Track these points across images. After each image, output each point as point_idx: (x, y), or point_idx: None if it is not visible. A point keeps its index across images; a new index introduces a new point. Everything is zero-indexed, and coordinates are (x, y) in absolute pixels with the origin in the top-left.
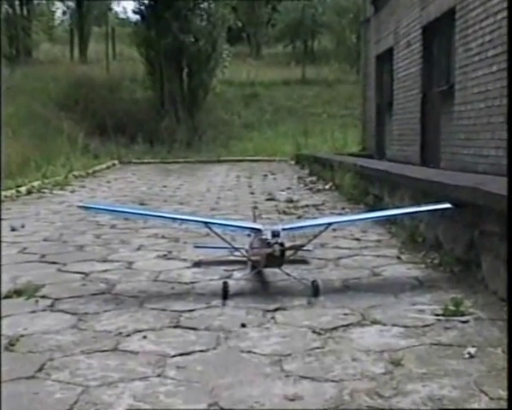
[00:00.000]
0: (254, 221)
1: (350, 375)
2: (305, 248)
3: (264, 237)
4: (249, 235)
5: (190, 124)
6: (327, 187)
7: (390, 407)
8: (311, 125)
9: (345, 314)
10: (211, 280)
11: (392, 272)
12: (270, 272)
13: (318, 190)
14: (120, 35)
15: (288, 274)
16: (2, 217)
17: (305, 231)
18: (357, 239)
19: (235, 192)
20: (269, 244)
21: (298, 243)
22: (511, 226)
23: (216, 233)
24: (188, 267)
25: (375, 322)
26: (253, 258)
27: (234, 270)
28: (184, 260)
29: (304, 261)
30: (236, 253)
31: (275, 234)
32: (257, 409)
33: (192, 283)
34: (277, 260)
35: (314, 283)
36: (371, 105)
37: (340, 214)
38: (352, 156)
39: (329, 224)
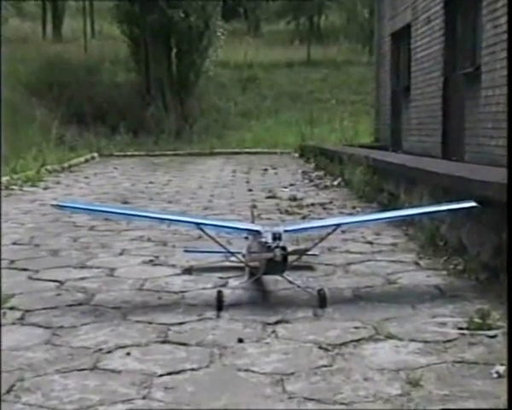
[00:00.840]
0: (252, 222)
1: (361, 397)
2: (310, 252)
3: (263, 239)
4: (247, 238)
5: (180, 112)
6: (335, 183)
7: None
8: (318, 112)
9: (355, 328)
10: (203, 289)
11: (409, 280)
12: (271, 280)
13: (325, 187)
14: (100, 10)
15: (290, 282)
16: None
17: (311, 234)
18: (370, 242)
19: (231, 189)
20: (269, 248)
21: (302, 246)
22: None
23: (209, 236)
24: (177, 274)
25: (389, 337)
26: (252, 264)
27: (229, 277)
28: (173, 266)
29: (309, 268)
30: (232, 258)
31: (276, 236)
32: None
33: (182, 292)
34: (279, 265)
35: (320, 292)
36: (386, 90)
37: (351, 214)
38: (363, 148)
39: (338, 225)
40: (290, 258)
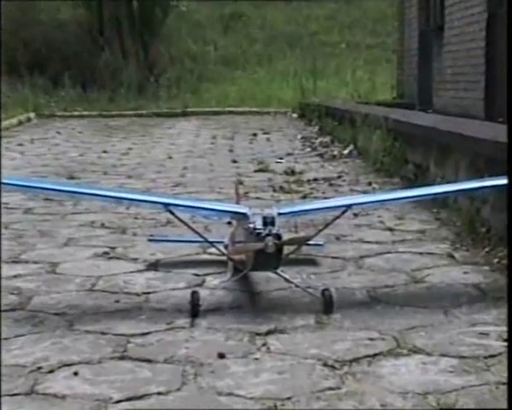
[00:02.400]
0: (237, 203)
1: None
2: (312, 241)
3: (251, 225)
4: (230, 223)
5: (143, 59)
6: (345, 152)
7: None
8: (323, 60)
9: (371, 339)
10: (173, 290)
11: (441, 278)
12: (262, 278)
13: (333, 157)
14: None
15: (287, 280)
16: None
17: (313, 218)
18: (390, 229)
19: (210, 160)
20: (259, 236)
21: (302, 234)
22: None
23: (181, 220)
24: (140, 271)
25: (415, 351)
26: (236, 257)
27: (207, 274)
28: (135, 260)
29: (311, 262)
30: (211, 249)
31: (267, 221)
32: None
33: (146, 293)
34: (271, 259)
35: (326, 293)
36: (412, 31)
37: (365, 193)
38: (382, 106)
39: (349, 206)
40: (286, 249)
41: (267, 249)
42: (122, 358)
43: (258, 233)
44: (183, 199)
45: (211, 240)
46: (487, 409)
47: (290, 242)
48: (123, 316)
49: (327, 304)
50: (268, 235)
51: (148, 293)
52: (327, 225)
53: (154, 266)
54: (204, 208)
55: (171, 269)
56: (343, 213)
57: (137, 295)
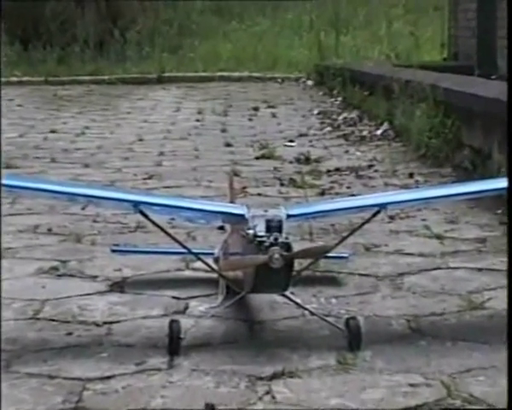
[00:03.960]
0: (232, 201)
1: None
2: (333, 253)
3: (251, 231)
4: (222, 228)
5: (104, 7)
6: (378, 133)
7: None
8: (348, 8)
9: (412, 386)
10: (145, 318)
11: (506, 303)
12: (265, 302)
13: (361, 139)
14: None
15: (299, 306)
16: None
17: (335, 221)
18: (439, 237)
19: (195, 143)
20: (261, 246)
21: (319, 243)
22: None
23: (156, 225)
24: (100, 293)
25: (471, 401)
26: (230, 274)
27: (191, 297)
28: (93, 277)
29: (332, 281)
30: (197, 263)
31: (273, 226)
32: None
33: (108, 323)
34: (278, 277)
35: (351, 323)
36: None
37: (405, 188)
38: (429, 71)
39: (383, 206)
40: (298, 264)
41: (272, 264)
42: None
43: (261, 242)
44: (158, 196)
45: (196, 251)
46: (488, 409)
47: (303, 254)
48: (77, 354)
49: (353, 338)
50: (273, 245)
51: (112, 322)
52: (353, 232)
53: (119, 286)
54: (187, 208)
55: (142, 290)
56: (375, 215)
57: (97, 325)
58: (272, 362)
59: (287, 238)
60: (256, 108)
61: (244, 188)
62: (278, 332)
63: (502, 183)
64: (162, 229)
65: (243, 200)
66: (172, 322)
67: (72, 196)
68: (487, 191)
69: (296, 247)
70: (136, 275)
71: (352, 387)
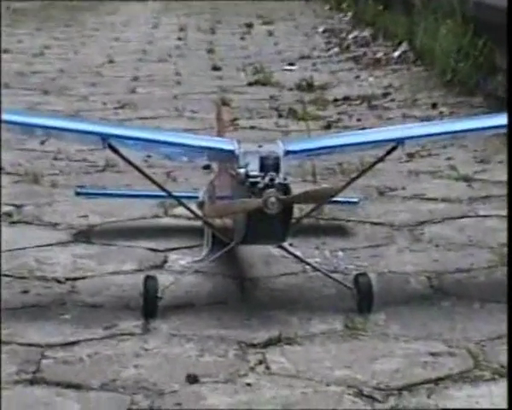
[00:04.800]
0: (220, 134)
1: None
2: (341, 197)
3: (242, 170)
4: (207, 167)
5: None
6: (395, 54)
7: None
8: None
9: (433, 355)
10: (115, 273)
11: None
12: (259, 255)
13: (375, 62)
14: None
15: (299, 260)
16: None
17: (343, 160)
18: (466, 179)
19: (177, 66)
20: (254, 188)
21: (324, 185)
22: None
23: (130, 162)
24: (62, 243)
25: (502, 374)
26: (217, 221)
27: (171, 249)
28: (54, 225)
29: (339, 230)
30: (178, 209)
31: (268, 164)
32: None
33: (72, 280)
34: (274, 225)
35: (361, 280)
36: None
37: (426, 121)
38: None
39: (400, 141)
40: (298, 210)
41: (267, 209)
42: (33, 382)
43: (254, 183)
44: (131, 128)
45: (176, 194)
46: (488, 409)
47: (304, 198)
48: (34, 315)
49: (363, 298)
50: (269, 186)
51: (76, 279)
52: (364, 172)
53: (85, 235)
54: (166, 143)
55: (112, 241)
56: (391, 152)
57: (58, 281)
58: (267, 326)
59: (285, 179)
60: (249, 25)
61: (234, 120)
62: (274, 291)
63: None
64: (136, 168)
65: (233, 134)
66: (148, 278)
67: (29, 128)
68: None
69: (296, 190)
70: (105, 223)
71: (361, 356)
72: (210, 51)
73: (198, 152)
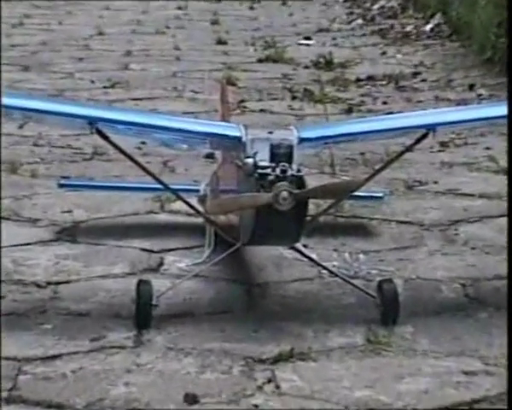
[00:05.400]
0: (225, 118)
1: None
2: (363, 192)
3: (250, 160)
4: (210, 156)
5: None
6: (427, 28)
7: None
8: None
9: (467, 374)
10: (104, 277)
11: None
12: (268, 258)
13: (404, 36)
14: None
15: (315, 263)
16: None
17: (366, 149)
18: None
19: (176, 39)
20: (263, 181)
21: (345, 178)
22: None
23: (120, 149)
24: (43, 242)
25: None
26: (221, 218)
27: (168, 250)
28: (34, 221)
29: (361, 229)
30: (176, 204)
31: (280, 153)
32: None
33: (54, 284)
34: (286, 223)
35: (386, 288)
36: None
37: (463, 104)
38: None
39: (431, 127)
40: (313, 206)
41: (279, 205)
42: (9, 401)
43: (263, 175)
44: (123, 111)
45: (174, 187)
46: (488, 409)
47: (322, 192)
48: (11, 325)
49: (388, 308)
50: (280, 179)
51: (59, 283)
52: (390, 163)
53: (69, 233)
54: (163, 128)
55: (100, 240)
56: (421, 139)
57: (39, 286)
58: (277, 339)
59: (299, 170)
60: None
61: (241, 102)
62: (286, 299)
63: None
64: (129, 156)
65: (240, 118)
66: (141, 283)
67: (6, 110)
68: None
69: (312, 183)
70: (93, 219)
71: (384, 374)
72: (214, 23)
73: (199, 139)
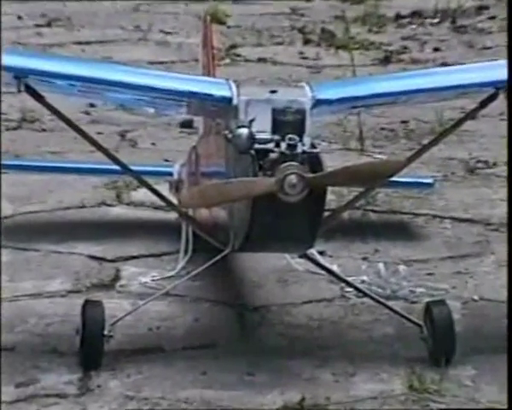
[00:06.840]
0: (208, 71)
1: None
2: (404, 178)
3: (243, 130)
4: (187, 125)
5: None
6: None
7: None
8: None
9: None
10: (35, 295)
11: None
12: (270, 269)
13: None
14: None
15: (336, 277)
16: None
17: (407, 115)
18: None
19: None
20: (262, 158)
21: (379, 157)
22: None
23: (59, 114)
24: None
25: None
26: (201, 213)
27: (125, 258)
28: None
29: (400, 230)
30: (139, 191)
31: (285, 121)
32: None
33: None
34: (295, 219)
35: (436, 313)
36: None
37: None
38: None
39: (499, 86)
40: (335, 195)
41: (285, 195)
42: None
43: (262, 152)
44: (63, 60)
45: (136, 168)
46: (488, 409)
47: (346, 176)
48: None
49: (439, 341)
50: (287, 157)
51: None
52: (442, 136)
53: None
54: (120, 85)
55: (32, 243)
56: (486, 103)
57: None
58: (281, 386)
59: (313, 146)
60: None
61: (232, 47)
62: (294, 329)
63: None
64: (72, 124)
65: (231, 70)
66: (89, 305)
67: None
68: None
69: (332, 164)
70: (21, 213)
71: None
72: None
73: (172, 100)
